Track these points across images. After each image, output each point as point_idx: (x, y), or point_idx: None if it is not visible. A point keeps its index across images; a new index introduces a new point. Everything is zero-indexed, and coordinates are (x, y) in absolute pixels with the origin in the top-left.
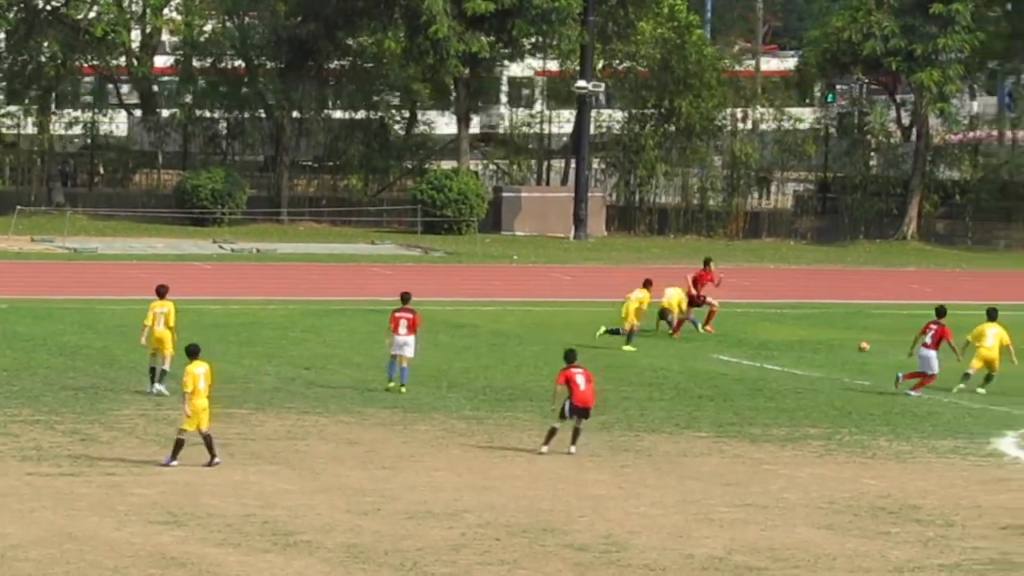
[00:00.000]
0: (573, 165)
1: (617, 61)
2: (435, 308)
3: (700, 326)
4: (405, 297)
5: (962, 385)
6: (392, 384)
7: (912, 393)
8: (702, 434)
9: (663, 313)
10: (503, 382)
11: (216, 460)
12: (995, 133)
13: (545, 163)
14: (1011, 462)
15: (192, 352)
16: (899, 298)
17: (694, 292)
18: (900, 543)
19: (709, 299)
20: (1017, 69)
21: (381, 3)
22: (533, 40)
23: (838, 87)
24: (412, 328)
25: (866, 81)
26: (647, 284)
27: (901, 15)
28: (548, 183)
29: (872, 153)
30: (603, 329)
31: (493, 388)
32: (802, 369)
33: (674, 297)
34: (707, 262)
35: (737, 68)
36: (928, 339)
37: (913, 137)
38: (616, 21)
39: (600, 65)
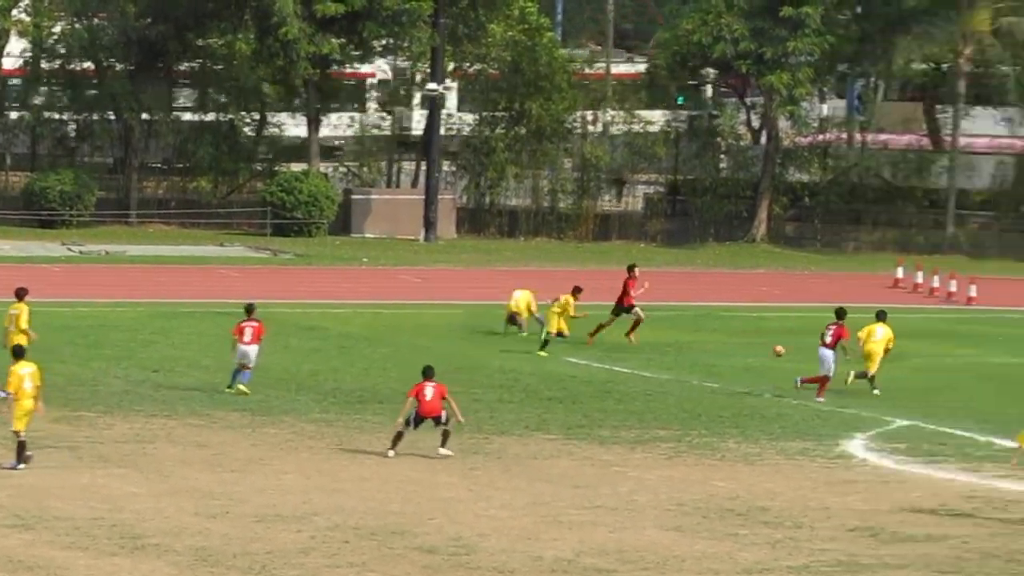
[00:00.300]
0: (423, 167)
1: (468, 63)
2: (284, 311)
3: (543, 330)
4: (249, 308)
5: (875, 391)
6: (232, 388)
7: (819, 400)
8: (552, 436)
9: (511, 318)
10: (352, 384)
11: (20, 465)
12: (844, 136)
13: (395, 166)
14: (859, 464)
15: (17, 353)
16: (748, 300)
17: (624, 300)
18: (749, 545)
19: (637, 309)
20: (866, 72)
21: (231, 4)
22: (384, 42)
23: (688, 90)
24: (257, 337)
25: (716, 84)
26: (576, 291)
27: (751, 18)
28: (398, 185)
29: (722, 156)
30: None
31: (342, 391)
32: (651, 371)
33: (522, 300)
34: (631, 268)
35: (587, 71)
36: (828, 338)
37: (763, 140)
38: (467, 23)
39: (451, 67)
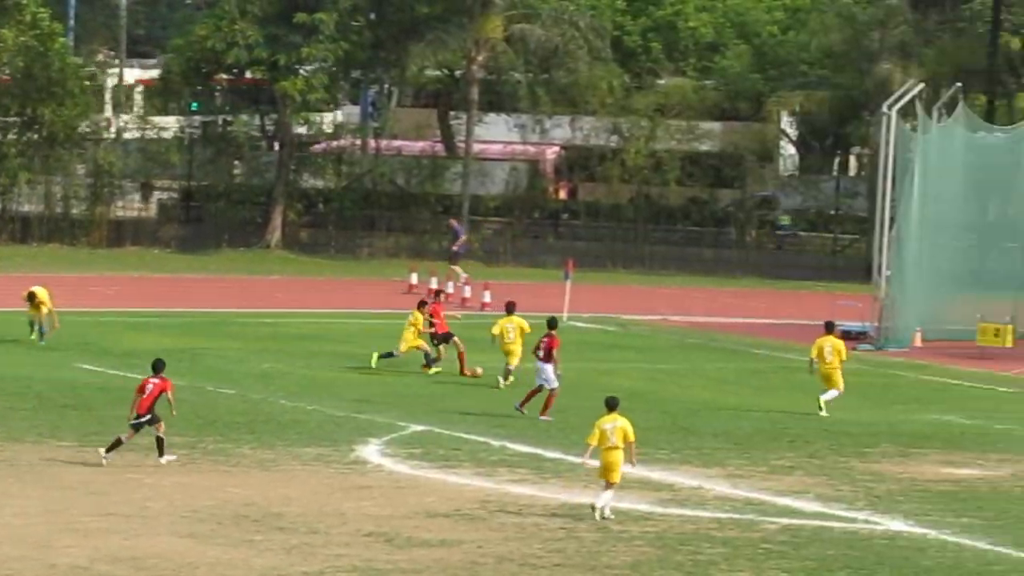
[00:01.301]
0: None
1: None
2: None
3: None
4: None
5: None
6: None
7: (543, 418)
8: (66, 443)
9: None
10: None
11: None
12: (359, 142)
13: None
14: (374, 469)
15: None
16: (263, 306)
17: (432, 327)
18: (264, 551)
19: (456, 339)
20: (380, 78)
21: None
22: None
23: (202, 96)
24: None
25: (230, 90)
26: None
27: (265, 24)
28: None
29: (236, 162)
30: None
31: None
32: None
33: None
34: (438, 294)
35: (101, 76)
36: (540, 352)
37: (277, 146)
38: None
39: None
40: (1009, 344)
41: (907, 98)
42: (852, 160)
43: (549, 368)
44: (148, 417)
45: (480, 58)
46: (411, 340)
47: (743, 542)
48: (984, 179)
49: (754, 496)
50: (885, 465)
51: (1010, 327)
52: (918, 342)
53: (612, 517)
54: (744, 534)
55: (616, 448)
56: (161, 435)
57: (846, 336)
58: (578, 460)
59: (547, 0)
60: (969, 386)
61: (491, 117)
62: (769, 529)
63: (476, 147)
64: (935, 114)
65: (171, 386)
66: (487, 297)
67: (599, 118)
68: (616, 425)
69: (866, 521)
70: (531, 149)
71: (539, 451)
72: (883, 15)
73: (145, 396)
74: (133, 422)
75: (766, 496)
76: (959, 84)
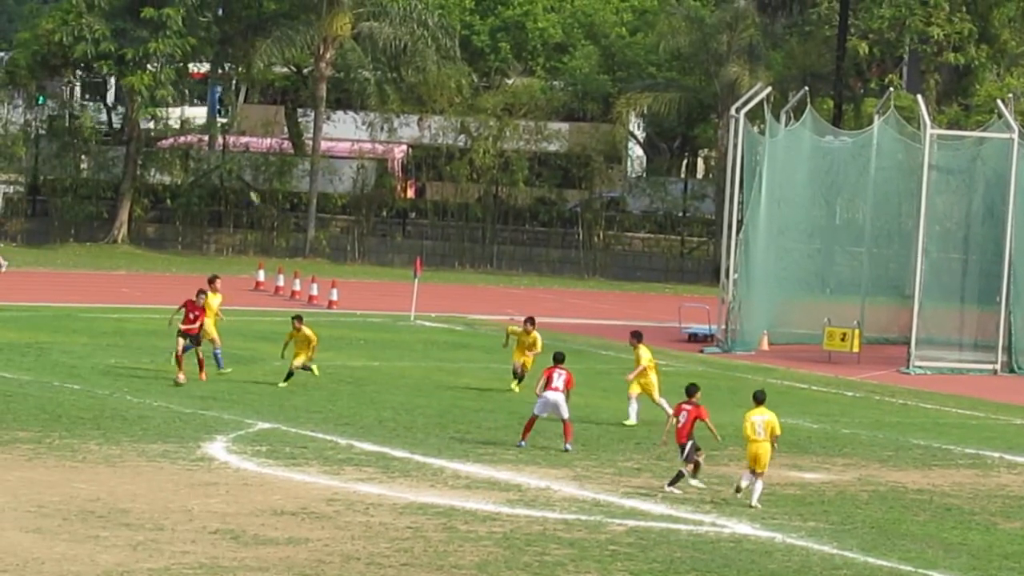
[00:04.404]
0: None
1: None
2: None
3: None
4: None
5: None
6: None
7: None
8: None
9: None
10: None
11: None
12: (206, 138)
13: None
14: (220, 467)
15: None
16: (108, 302)
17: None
18: (109, 547)
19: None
20: (228, 75)
21: None
22: None
23: (48, 89)
24: None
25: (77, 84)
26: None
27: (112, 18)
28: None
29: (83, 156)
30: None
31: None
32: (11, 372)
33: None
34: (199, 293)
35: None
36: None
37: (124, 140)
38: None
39: None
40: (855, 349)
41: (755, 101)
42: (700, 162)
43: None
44: None
45: (328, 55)
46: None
47: (590, 543)
48: (831, 183)
49: (601, 498)
50: (732, 468)
51: (856, 331)
52: (765, 345)
53: (759, 506)
54: (591, 535)
55: (763, 440)
56: None
57: (693, 339)
58: (423, 460)
59: None
60: (815, 390)
61: (339, 115)
62: (616, 531)
63: (324, 145)
64: (783, 118)
65: None
66: (335, 295)
67: (447, 117)
68: (764, 419)
69: (713, 524)
70: (379, 147)
71: (386, 450)
72: (731, 18)
73: None
74: None
75: (613, 498)
76: (806, 88)
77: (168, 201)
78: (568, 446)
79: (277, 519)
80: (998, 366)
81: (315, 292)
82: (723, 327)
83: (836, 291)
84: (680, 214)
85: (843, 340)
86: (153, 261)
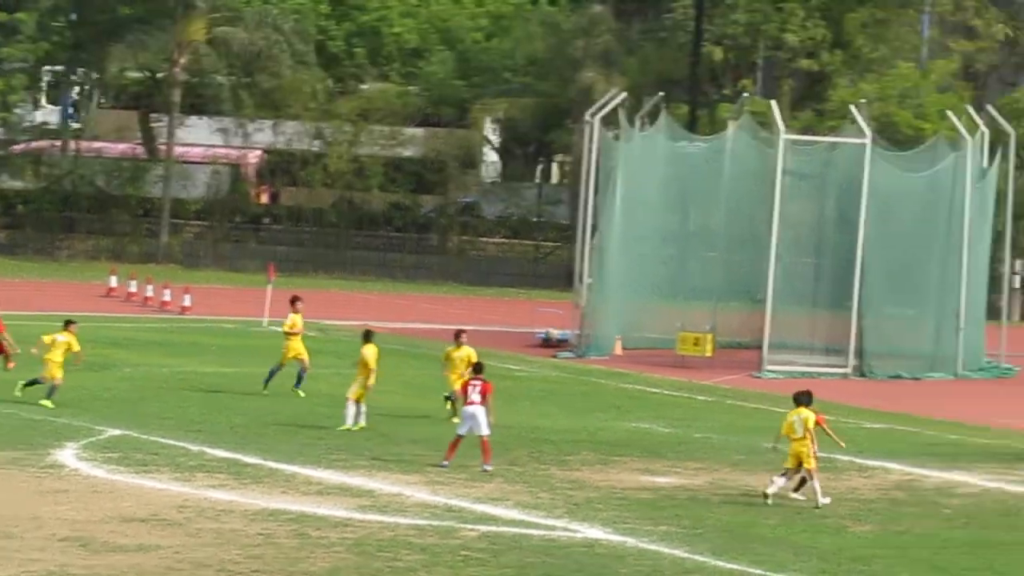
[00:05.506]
0: None
1: None
2: None
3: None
4: None
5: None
6: None
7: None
8: None
9: None
10: None
11: None
12: (58, 143)
13: None
14: (70, 473)
15: None
16: None
17: None
18: None
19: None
20: (83, 80)
21: None
22: None
23: None
24: None
25: None
26: (68, 325)
27: None
28: None
29: None
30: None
31: None
32: None
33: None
34: None
35: None
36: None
37: None
38: None
39: None
40: (708, 353)
41: (610, 106)
42: (555, 167)
43: (482, 411)
44: None
45: (182, 60)
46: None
47: (442, 549)
48: (685, 188)
49: (454, 503)
50: (585, 473)
51: (710, 336)
52: (618, 350)
53: (828, 501)
54: (443, 541)
55: (802, 439)
56: None
57: (547, 344)
58: (275, 466)
59: (251, 3)
60: (668, 394)
61: (193, 120)
62: (468, 536)
63: (178, 150)
64: (637, 123)
65: None
66: (187, 301)
67: (302, 122)
68: (801, 417)
69: (565, 529)
70: (233, 153)
71: (238, 456)
72: (587, 23)
73: None
74: None
75: (465, 503)
76: (661, 93)
77: (19, 206)
78: (487, 466)
79: (127, 526)
80: (849, 370)
81: (168, 298)
82: (577, 332)
83: (690, 296)
84: (535, 219)
85: (696, 345)
86: (3, 267)
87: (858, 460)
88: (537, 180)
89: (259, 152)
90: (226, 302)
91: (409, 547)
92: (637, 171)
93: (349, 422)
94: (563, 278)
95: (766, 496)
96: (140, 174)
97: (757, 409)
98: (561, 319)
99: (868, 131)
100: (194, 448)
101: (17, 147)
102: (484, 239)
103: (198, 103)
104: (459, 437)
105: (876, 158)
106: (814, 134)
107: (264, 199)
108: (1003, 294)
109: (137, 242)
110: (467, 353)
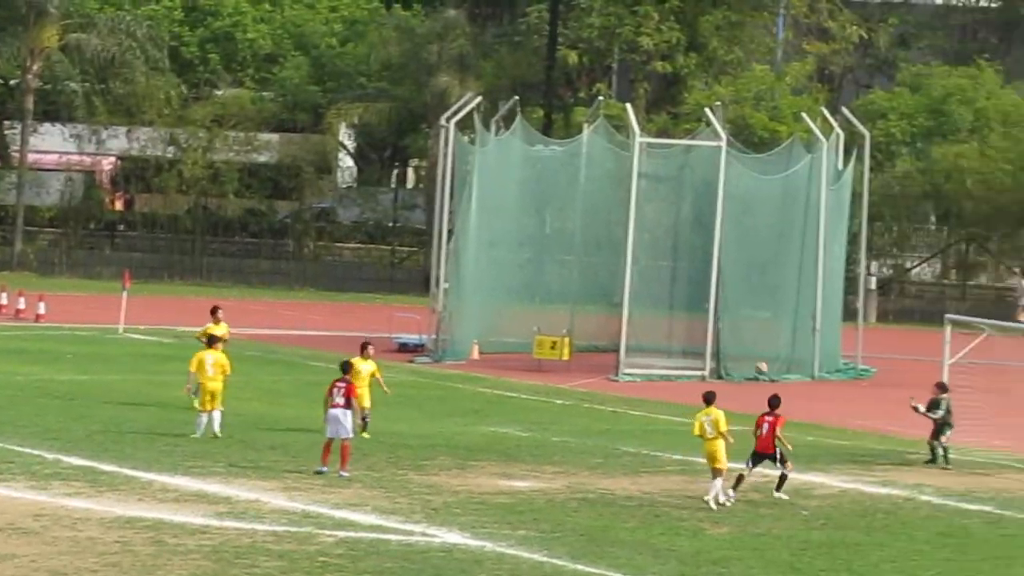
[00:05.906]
0: None
1: None
2: None
3: None
4: None
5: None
6: None
7: (343, 473)
8: None
9: None
10: None
11: None
12: None
13: None
14: None
15: None
16: None
17: None
18: None
19: None
20: None
21: None
22: None
23: None
24: None
25: None
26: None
27: None
28: None
29: None
30: None
31: None
32: None
33: None
34: None
35: None
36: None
37: None
38: None
39: None
40: (566, 357)
41: (465, 111)
42: (411, 172)
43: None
44: None
45: (35, 67)
46: None
47: (300, 555)
48: (541, 192)
49: (311, 509)
50: (442, 477)
51: (567, 340)
52: (475, 355)
53: (715, 508)
54: (301, 547)
55: (714, 439)
56: None
57: (404, 349)
58: (132, 473)
59: (103, 9)
60: (526, 398)
61: (46, 127)
62: (326, 542)
63: (31, 157)
64: (493, 127)
65: None
66: (42, 309)
67: (156, 128)
68: (710, 418)
69: (423, 534)
70: (87, 159)
71: (94, 464)
72: (441, 28)
73: None
74: None
75: (323, 509)
76: (517, 97)
77: None
78: (343, 472)
79: None
80: (706, 372)
81: (22, 306)
82: (434, 337)
83: (546, 300)
84: (391, 224)
85: (553, 348)
86: None
87: None
88: (393, 185)
89: (113, 159)
90: (81, 309)
91: (267, 553)
92: (493, 175)
93: (200, 432)
94: (420, 283)
95: (720, 503)
96: None
97: (614, 412)
98: (418, 324)
99: (723, 134)
100: (50, 456)
101: None
102: (340, 244)
103: (51, 110)
104: (330, 440)
105: (731, 160)
106: (669, 137)
107: (119, 206)
108: (859, 295)
109: None
110: (373, 367)
